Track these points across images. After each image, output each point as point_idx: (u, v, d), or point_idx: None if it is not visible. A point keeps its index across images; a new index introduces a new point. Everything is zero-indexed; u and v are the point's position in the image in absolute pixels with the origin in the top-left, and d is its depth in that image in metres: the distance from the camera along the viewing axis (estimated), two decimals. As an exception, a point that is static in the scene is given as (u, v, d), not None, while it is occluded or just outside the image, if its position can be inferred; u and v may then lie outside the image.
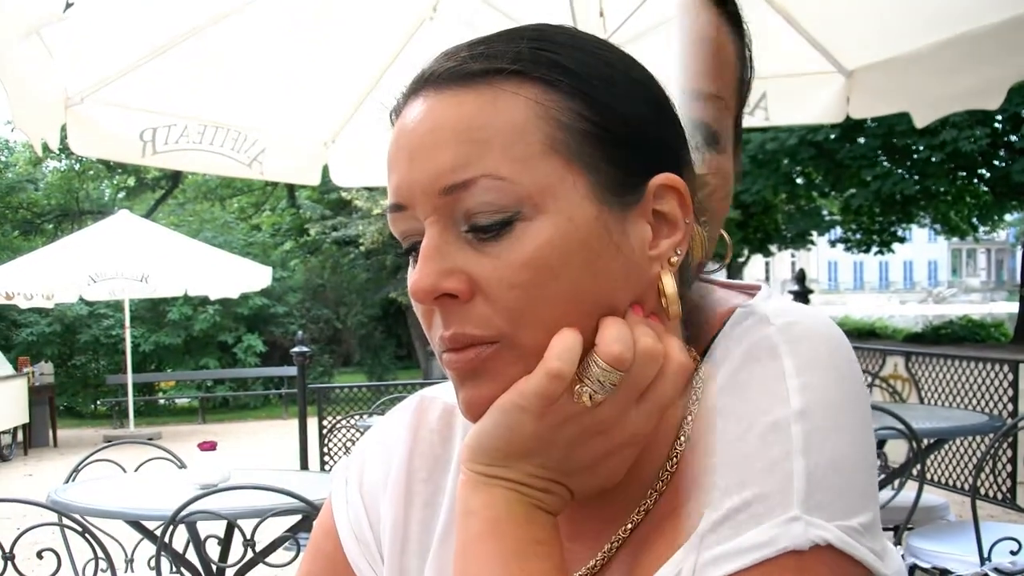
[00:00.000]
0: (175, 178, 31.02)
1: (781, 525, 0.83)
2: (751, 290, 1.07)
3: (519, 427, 0.89)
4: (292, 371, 21.82)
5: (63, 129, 4.66)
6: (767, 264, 74.65)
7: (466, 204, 0.88)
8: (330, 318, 25.66)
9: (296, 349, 8.44)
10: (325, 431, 9.07)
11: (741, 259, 38.64)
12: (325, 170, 5.80)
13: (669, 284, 0.93)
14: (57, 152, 27.29)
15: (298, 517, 3.97)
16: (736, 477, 0.87)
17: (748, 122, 5.48)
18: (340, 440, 9.08)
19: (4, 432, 15.31)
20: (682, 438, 0.96)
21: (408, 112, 0.93)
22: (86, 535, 3.56)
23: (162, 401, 24.04)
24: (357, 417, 8.31)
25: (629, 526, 0.97)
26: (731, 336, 0.97)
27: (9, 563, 3.29)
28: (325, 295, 26.21)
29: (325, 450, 9.01)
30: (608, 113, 0.91)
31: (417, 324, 27.73)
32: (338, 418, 9.19)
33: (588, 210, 0.89)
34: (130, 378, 17.73)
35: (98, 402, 22.82)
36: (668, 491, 0.96)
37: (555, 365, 0.87)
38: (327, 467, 8.77)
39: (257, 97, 5.45)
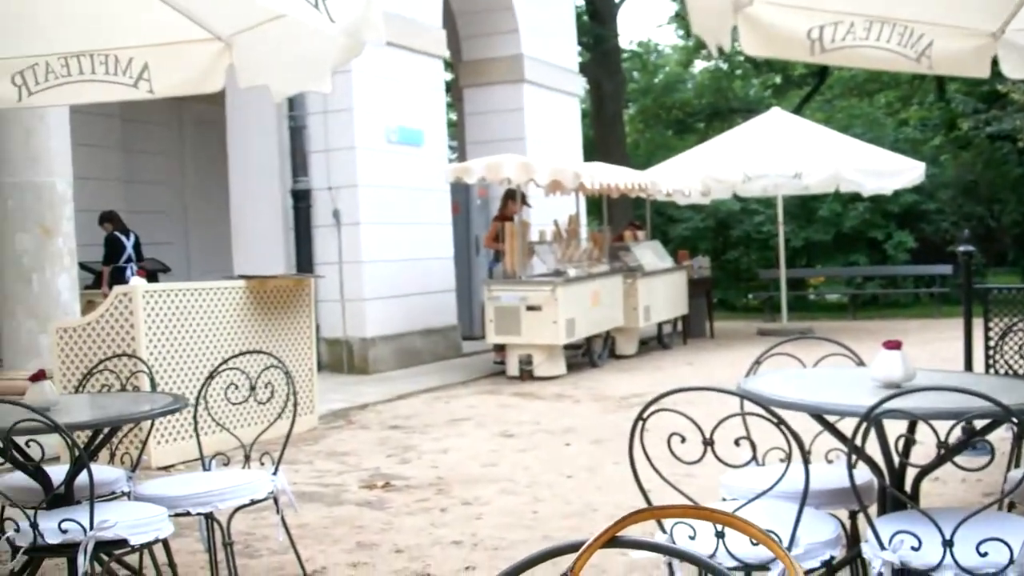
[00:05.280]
0: (821, 75, 30.97)
1: None
2: None
3: None
4: (944, 269, 21.19)
5: (734, 31, 4.84)
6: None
7: None
8: (983, 215, 24.45)
9: (961, 248, 8.18)
10: (995, 335, 8.62)
11: None
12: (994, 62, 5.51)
13: None
14: (718, 54, 28.33)
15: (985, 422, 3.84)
16: None
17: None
18: (1014, 345, 8.53)
19: (666, 322, 16.33)
20: None
21: None
22: (780, 427, 3.70)
23: (811, 296, 24.44)
24: (1032, 320, 7.82)
25: None
26: None
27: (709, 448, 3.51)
28: (977, 192, 24.98)
29: (990, 353, 8.60)
30: None
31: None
32: (1015, 319, 8.67)
33: None
34: (783, 273, 18.15)
35: (749, 296, 23.66)
36: None
37: None
38: (992, 372, 8.38)
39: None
